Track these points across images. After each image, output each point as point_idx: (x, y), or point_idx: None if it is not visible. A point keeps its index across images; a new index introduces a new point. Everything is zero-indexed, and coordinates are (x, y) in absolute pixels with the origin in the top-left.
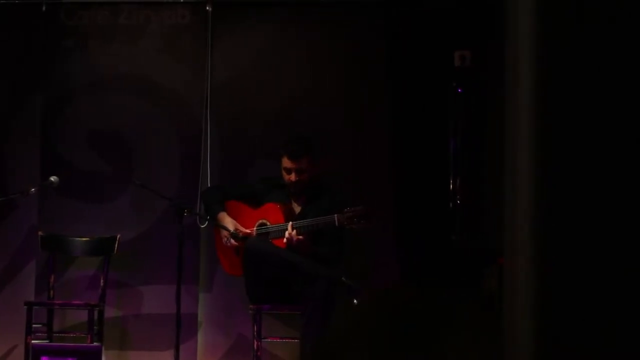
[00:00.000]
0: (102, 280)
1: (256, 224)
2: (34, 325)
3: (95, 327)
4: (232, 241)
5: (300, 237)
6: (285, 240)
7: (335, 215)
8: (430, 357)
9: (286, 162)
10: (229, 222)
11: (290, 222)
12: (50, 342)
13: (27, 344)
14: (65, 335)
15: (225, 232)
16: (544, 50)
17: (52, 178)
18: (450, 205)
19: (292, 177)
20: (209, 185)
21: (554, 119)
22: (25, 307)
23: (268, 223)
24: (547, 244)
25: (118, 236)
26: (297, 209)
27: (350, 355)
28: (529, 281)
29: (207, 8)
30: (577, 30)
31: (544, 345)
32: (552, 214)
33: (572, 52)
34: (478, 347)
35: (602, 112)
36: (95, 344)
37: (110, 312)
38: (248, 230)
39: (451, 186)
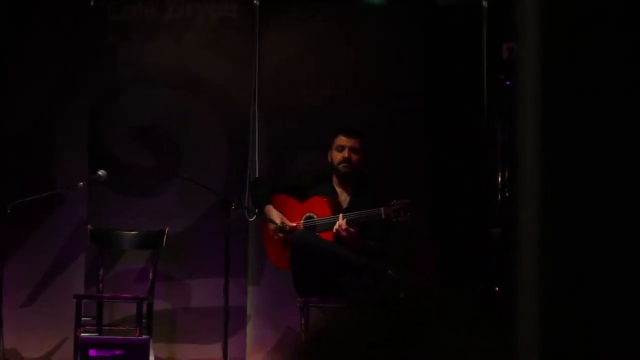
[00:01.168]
0: (150, 274)
1: (303, 217)
2: (83, 318)
3: (144, 320)
4: (279, 234)
5: (352, 229)
6: (335, 231)
7: (382, 208)
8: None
9: (341, 140)
10: (275, 215)
11: (341, 214)
12: (100, 334)
13: (76, 337)
14: (115, 328)
15: (272, 225)
16: (549, 50)
17: (100, 172)
18: (499, 198)
19: (346, 153)
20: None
21: (559, 116)
22: (74, 300)
23: (315, 216)
24: (552, 244)
25: (167, 229)
26: (344, 202)
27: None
28: (533, 282)
29: (255, 1)
30: (584, 33)
31: (551, 346)
32: (558, 215)
33: (579, 51)
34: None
35: (610, 111)
36: (143, 336)
37: (159, 305)
38: (294, 224)
39: (499, 179)
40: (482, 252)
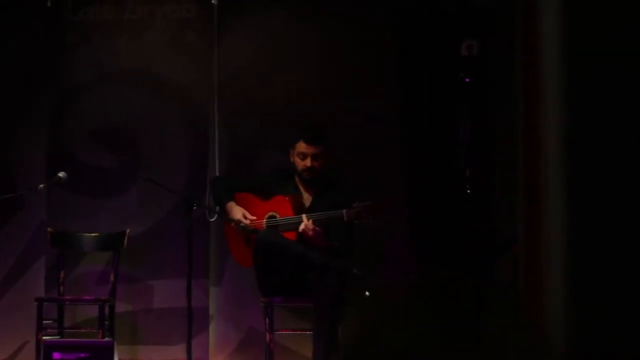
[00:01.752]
0: (112, 276)
1: (266, 216)
2: (44, 322)
3: (106, 323)
4: (241, 233)
5: (318, 229)
6: (301, 230)
7: (344, 210)
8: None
9: (302, 147)
10: (237, 211)
11: (304, 215)
12: (62, 338)
13: (38, 340)
14: (77, 331)
15: (232, 224)
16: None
17: (60, 174)
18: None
19: (308, 162)
20: None
21: (583, 116)
22: (35, 303)
23: (277, 215)
24: (580, 244)
25: (127, 231)
26: (307, 202)
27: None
28: (561, 279)
29: (213, 1)
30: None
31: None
32: (583, 212)
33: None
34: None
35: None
36: (106, 339)
37: (121, 307)
38: (255, 218)
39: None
40: (459, 245)
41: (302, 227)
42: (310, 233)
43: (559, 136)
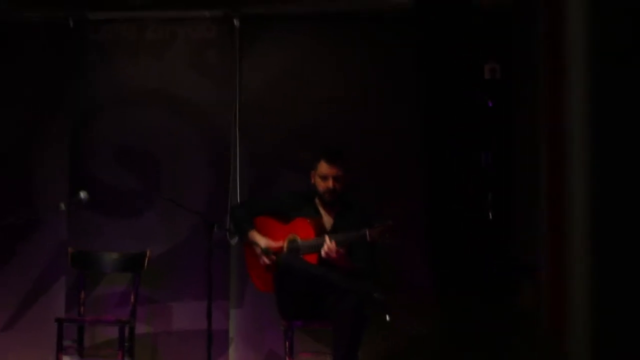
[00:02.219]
0: (132, 297)
1: (286, 240)
2: (64, 342)
3: (126, 344)
4: (265, 260)
5: (341, 249)
6: (324, 253)
7: (367, 230)
8: None
9: (324, 168)
10: (260, 239)
11: (327, 236)
12: (81, 358)
13: None
14: (96, 352)
15: (257, 249)
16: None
17: (81, 194)
18: (483, 219)
19: (330, 183)
20: (238, 199)
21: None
22: (55, 323)
23: (298, 238)
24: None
25: (148, 252)
26: (328, 224)
27: None
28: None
29: (235, 22)
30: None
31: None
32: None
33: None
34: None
35: None
36: None
37: (141, 329)
38: (278, 245)
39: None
40: (477, 270)
41: (325, 248)
42: (334, 255)
43: (585, 151)
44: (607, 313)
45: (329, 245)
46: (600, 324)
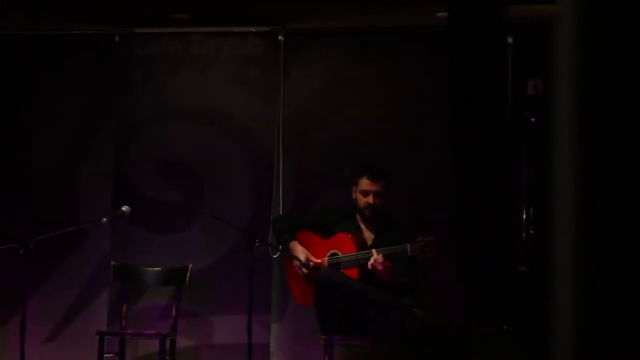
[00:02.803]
0: (174, 310)
1: (327, 254)
2: (106, 355)
3: (167, 357)
4: (304, 270)
5: (388, 263)
6: (370, 265)
7: (408, 244)
8: None
9: (365, 184)
10: (300, 252)
11: (374, 249)
12: None
13: None
14: None
15: (296, 262)
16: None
17: (124, 208)
18: (524, 235)
19: (370, 199)
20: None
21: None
22: (97, 336)
23: (339, 253)
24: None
25: (190, 266)
26: (369, 239)
27: None
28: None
29: (279, 37)
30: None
31: None
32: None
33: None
34: None
35: None
36: None
37: (182, 342)
38: (319, 260)
39: (524, 216)
40: (509, 290)
41: (372, 261)
42: (381, 267)
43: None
44: (591, 315)
45: (375, 258)
46: (585, 326)
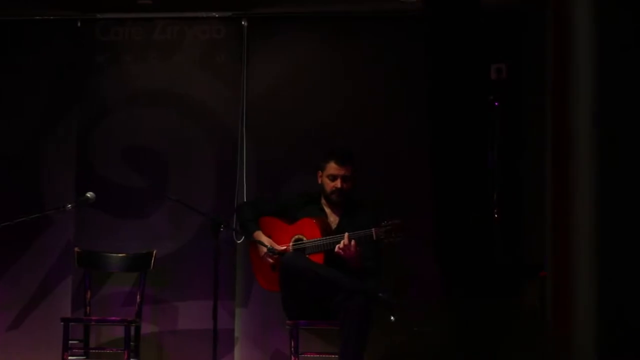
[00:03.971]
0: (138, 296)
1: (292, 239)
2: (70, 342)
3: (131, 343)
4: (269, 258)
5: (359, 248)
6: (340, 248)
7: (373, 228)
8: None
9: (333, 169)
10: (265, 240)
11: (346, 233)
12: (87, 358)
13: None
14: (102, 351)
15: (262, 249)
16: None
17: (89, 194)
18: (490, 219)
19: (338, 183)
20: (244, 200)
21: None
22: (61, 323)
23: (304, 238)
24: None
25: (154, 252)
26: (334, 224)
27: None
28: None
29: (243, 22)
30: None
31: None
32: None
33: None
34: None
35: None
36: None
37: (146, 328)
38: (284, 247)
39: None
40: (482, 269)
41: (341, 245)
42: (352, 250)
43: (591, 151)
44: (612, 313)
45: (346, 242)
46: (606, 324)
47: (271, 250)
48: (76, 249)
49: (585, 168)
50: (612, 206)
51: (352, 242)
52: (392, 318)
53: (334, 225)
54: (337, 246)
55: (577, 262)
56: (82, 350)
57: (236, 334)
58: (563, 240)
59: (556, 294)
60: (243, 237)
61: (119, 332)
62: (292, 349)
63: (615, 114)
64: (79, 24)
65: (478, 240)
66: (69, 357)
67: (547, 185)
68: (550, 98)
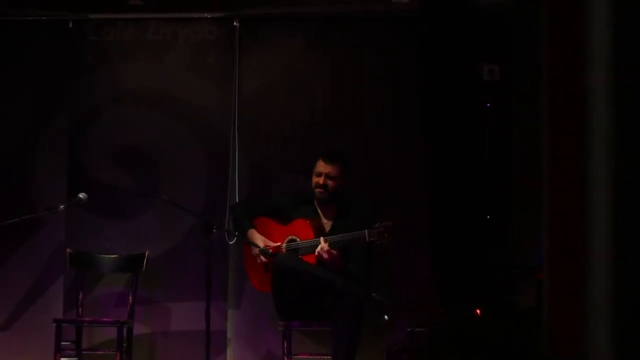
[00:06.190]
0: (130, 297)
1: (285, 240)
2: (62, 343)
3: (124, 344)
4: (262, 258)
5: (334, 251)
6: (316, 253)
7: (366, 230)
8: None
9: (319, 166)
10: (258, 239)
11: (322, 237)
12: (80, 359)
13: None
14: (94, 352)
15: (255, 249)
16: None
17: (81, 195)
18: (483, 220)
19: (321, 179)
20: (236, 200)
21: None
22: (54, 324)
23: (298, 239)
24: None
25: (147, 253)
26: (327, 225)
27: None
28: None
29: (235, 23)
30: None
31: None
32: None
33: None
34: None
35: None
36: None
37: (139, 329)
38: (277, 244)
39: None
40: (476, 270)
41: (317, 249)
42: (325, 255)
43: (606, 143)
44: (627, 309)
45: (322, 245)
46: (621, 321)
47: (264, 252)
48: (68, 250)
49: (585, 168)
50: (611, 206)
51: (326, 245)
52: (385, 317)
53: (327, 227)
54: (316, 250)
55: (577, 262)
56: (74, 352)
57: (228, 335)
58: (560, 240)
59: (552, 295)
60: (235, 238)
61: (111, 333)
62: (285, 350)
63: (614, 114)
64: (70, 25)
65: (477, 241)
66: (61, 359)
67: (543, 185)
68: (549, 98)
